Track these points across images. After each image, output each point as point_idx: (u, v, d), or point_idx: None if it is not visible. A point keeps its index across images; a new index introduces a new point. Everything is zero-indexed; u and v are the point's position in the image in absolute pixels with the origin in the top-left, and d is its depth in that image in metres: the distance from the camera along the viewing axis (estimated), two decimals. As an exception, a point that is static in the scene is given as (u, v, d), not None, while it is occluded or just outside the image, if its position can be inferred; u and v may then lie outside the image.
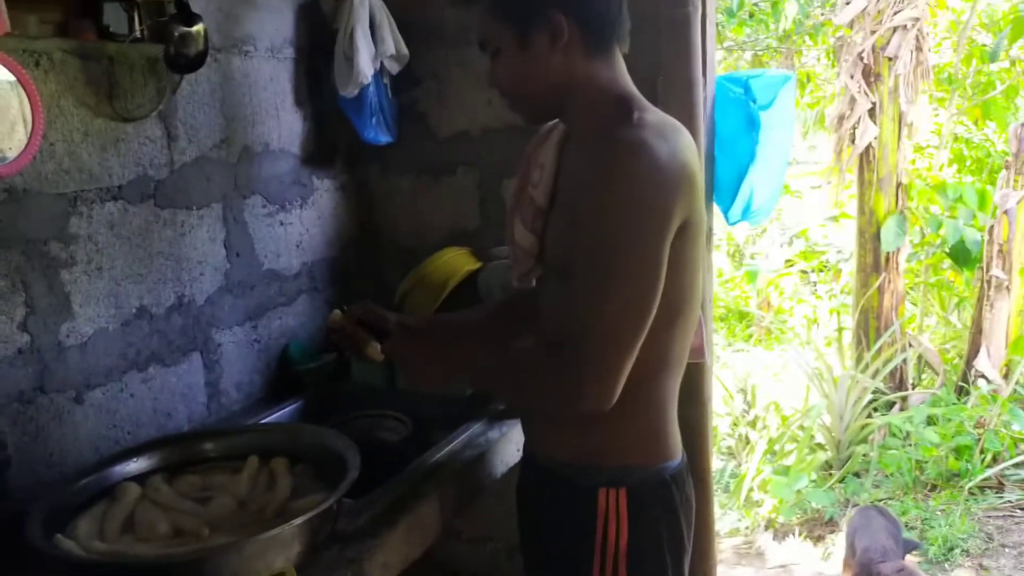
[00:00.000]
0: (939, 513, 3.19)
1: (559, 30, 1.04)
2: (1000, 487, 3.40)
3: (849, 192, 4.90)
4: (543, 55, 1.06)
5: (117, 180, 1.46)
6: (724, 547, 3.10)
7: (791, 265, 5.84)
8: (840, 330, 4.53)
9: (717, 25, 4.65)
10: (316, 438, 1.31)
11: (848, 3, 4.24)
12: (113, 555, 1.06)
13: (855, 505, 3.16)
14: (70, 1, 1.38)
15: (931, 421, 3.75)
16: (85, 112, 1.40)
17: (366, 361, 1.24)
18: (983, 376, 3.93)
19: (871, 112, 4.23)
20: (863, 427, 3.73)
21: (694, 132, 1.57)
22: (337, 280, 2.04)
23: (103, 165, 1.43)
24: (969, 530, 3.05)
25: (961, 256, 4.29)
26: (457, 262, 1.88)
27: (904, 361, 4.18)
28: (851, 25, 4.28)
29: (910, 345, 4.28)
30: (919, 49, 4.12)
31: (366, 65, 1.75)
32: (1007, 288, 3.95)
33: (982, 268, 4.06)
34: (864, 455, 3.59)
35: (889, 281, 4.35)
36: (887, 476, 3.52)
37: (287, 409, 1.74)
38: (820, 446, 3.78)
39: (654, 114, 1.07)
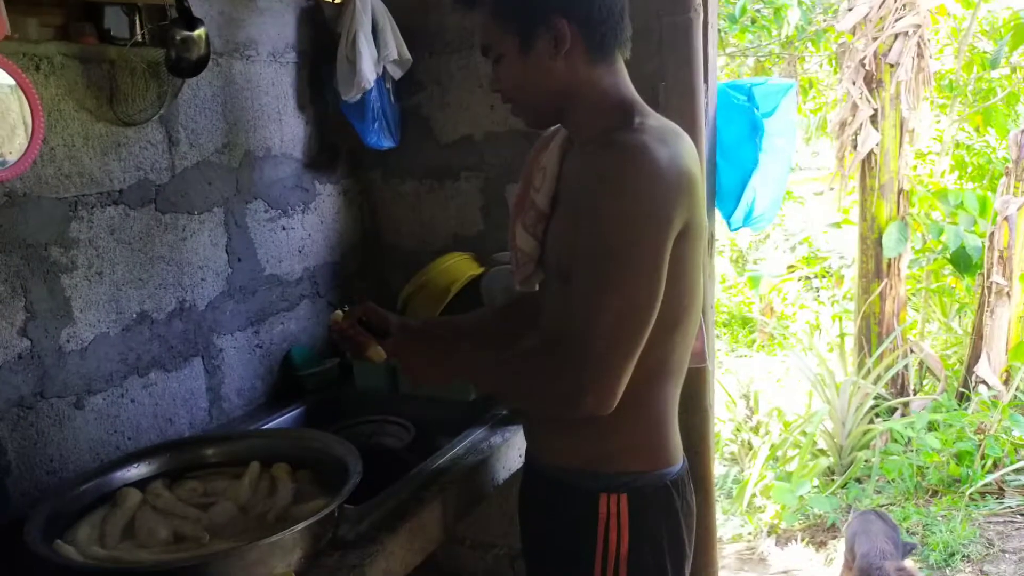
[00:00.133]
0: (940, 519, 3.18)
1: (561, 36, 1.05)
2: (1001, 493, 3.39)
3: (851, 198, 4.90)
4: (545, 61, 1.06)
5: (118, 184, 1.46)
6: (727, 553, 3.09)
7: (794, 271, 5.85)
8: (842, 336, 4.53)
9: (719, 31, 4.67)
10: (318, 443, 1.30)
11: (850, 9, 4.25)
12: (113, 561, 1.05)
13: (856, 511, 3.15)
14: (71, 4, 1.37)
15: (932, 427, 3.75)
16: (86, 116, 1.39)
17: (367, 361, 1.23)
18: (984, 382, 3.92)
19: (873, 118, 4.24)
20: (865, 433, 3.73)
21: (695, 137, 1.56)
22: (339, 285, 2.04)
23: (104, 169, 1.43)
24: (970, 536, 3.05)
25: (962, 262, 4.29)
26: (460, 267, 1.88)
27: (906, 367, 4.18)
28: (853, 31, 4.29)
29: (911, 351, 4.28)
30: (920, 56, 4.13)
31: (369, 70, 1.75)
32: (1008, 294, 3.95)
33: (983, 274, 4.06)
34: (866, 461, 3.59)
35: (891, 287, 4.35)
36: (889, 482, 3.51)
37: (289, 414, 1.74)
38: (822, 452, 3.78)
39: (655, 119, 1.07)
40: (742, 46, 5.49)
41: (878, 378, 3.97)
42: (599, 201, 0.99)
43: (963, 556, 2.95)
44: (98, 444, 1.44)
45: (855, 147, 4.31)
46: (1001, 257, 3.96)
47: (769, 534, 3.20)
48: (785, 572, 2.98)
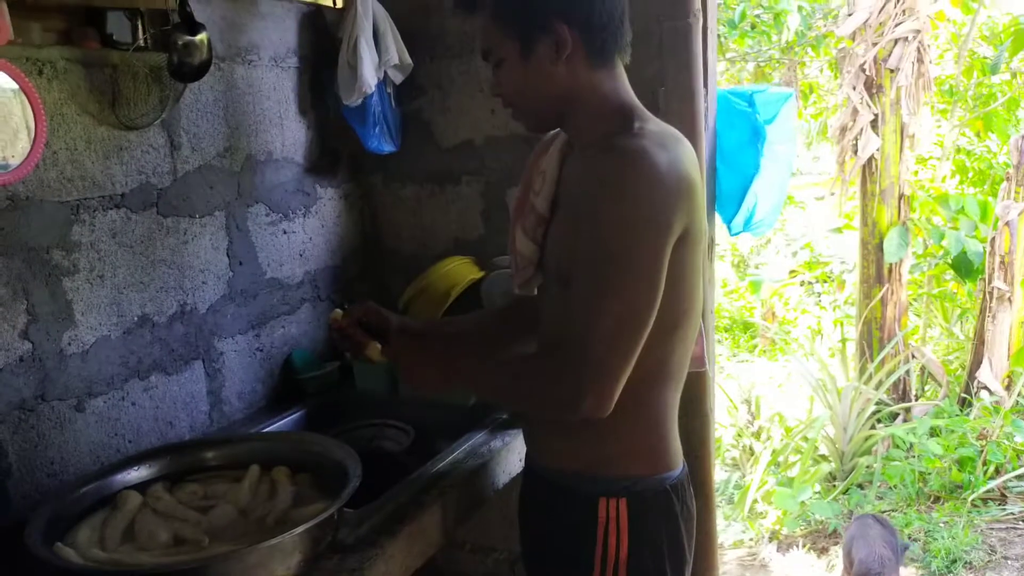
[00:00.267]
0: (942, 525, 3.17)
1: (562, 41, 1.05)
2: (1003, 499, 3.38)
3: (853, 203, 4.91)
4: (546, 66, 1.07)
5: (120, 188, 1.46)
6: (728, 559, 3.08)
7: (795, 276, 5.85)
8: (844, 341, 4.52)
9: (719, 36, 4.69)
10: (318, 447, 1.30)
11: (850, 15, 4.26)
12: (113, 564, 1.06)
13: (855, 515, 3.15)
14: (74, 9, 1.38)
15: (934, 433, 3.74)
16: (88, 120, 1.40)
17: (366, 362, 1.23)
18: (986, 388, 3.92)
19: (873, 123, 4.24)
20: (866, 438, 3.72)
21: (695, 142, 1.57)
22: (340, 289, 2.04)
23: (106, 173, 1.44)
24: (972, 542, 3.04)
25: (963, 267, 4.29)
26: (460, 271, 1.88)
27: (907, 372, 4.17)
28: (853, 37, 4.30)
29: (913, 356, 4.28)
30: (920, 61, 4.14)
31: (370, 74, 1.75)
32: (1009, 299, 3.95)
33: (984, 279, 4.06)
34: (868, 467, 3.58)
35: (892, 292, 4.35)
36: (891, 488, 3.50)
37: (289, 418, 1.74)
38: (824, 457, 3.77)
39: (655, 124, 1.07)
40: (742, 51, 5.50)
41: (880, 383, 3.97)
42: (599, 205, 0.99)
43: (965, 563, 2.94)
44: (99, 447, 1.45)
45: (856, 152, 4.32)
46: (1002, 262, 3.96)
47: (771, 540, 3.19)
48: (786, 578, 2.97)
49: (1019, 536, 3.13)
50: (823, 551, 3.12)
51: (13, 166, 1.26)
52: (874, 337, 4.38)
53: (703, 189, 1.10)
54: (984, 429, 3.63)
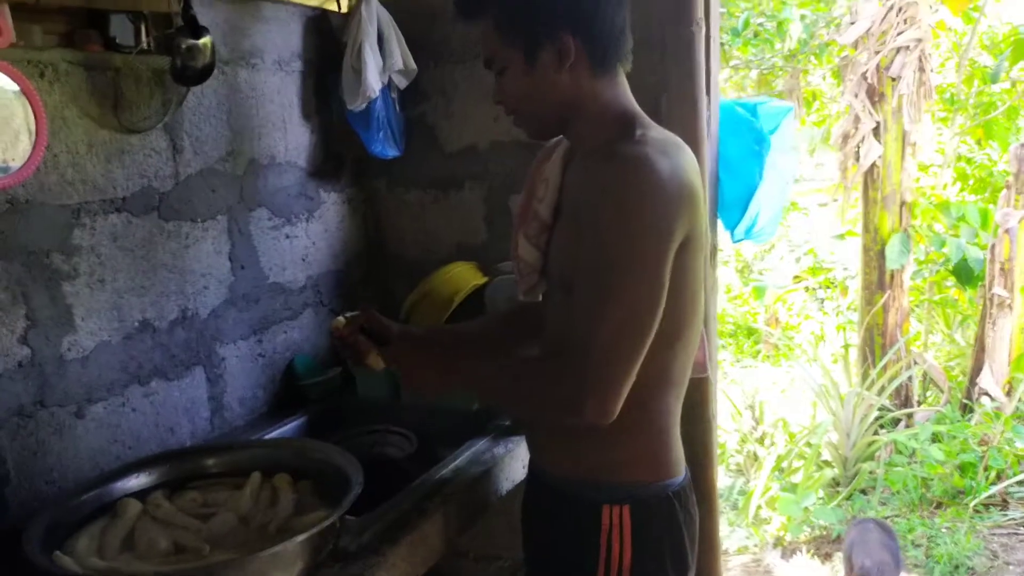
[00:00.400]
0: (944, 531, 3.17)
1: (566, 50, 1.05)
2: (1005, 505, 3.38)
3: (855, 210, 4.92)
4: (550, 74, 1.07)
5: (121, 192, 1.45)
6: (732, 565, 3.07)
7: (799, 281, 5.85)
8: (846, 347, 4.52)
9: (723, 44, 4.70)
10: (319, 454, 1.29)
11: (852, 24, 4.28)
12: (112, 572, 1.04)
13: (855, 519, 3.14)
14: (76, 12, 1.38)
15: (936, 438, 3.74)
16: (89, 123, 1.39)
17: (367, 368, 1.22)
18: (987, 393, 3.92)
19: (875, 131, 4.26)
20: (869, 444, 3.72)
21: (697, 149, 1.57)
22: (343, 294, 2.03)
23: (107, 176, 1.43)
24: (974, 548, 3.03)
25: (964, 274, 4.30)
26: (464, 276, 1.88)
27: (909, 378, 4.18)
28: (855, 45, 4.32)
29: (915, 362, 4.28)
30: (922, 70, 4.16)
31: (374, 79, 1.75)
32: (1009, 306, 3.95)
33: (984, 286, 4.06)
34: (870, 472, 3.57)
35: (894, 298, 4.36)
36: (893, 493, 3.50)
37: (291, 424, 1.72)
38: (827, 463, 3.76)
39: (657, 131, 1.08)
40: (746, 59, 5.52)
41: (882, 389, 3.97)
42: (601, 212, 0.99)
43: (968, 568, 2.94)
44: (98, 453, 1.43)
45: (858, 159, 4.33)
46: (1002, 269, 3.97)
47: (775, 546, 3.19)
48: (789, 585, 2.96)
49: (1021, 541, 3.12)
50: (827, 557, 3.11)
51: (14, 169, 1.25)
52: (876, 343, 4.38)
53: (705, 196, 1.10)
54: (985, 435, 3.63)
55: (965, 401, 4.07)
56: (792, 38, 4.88)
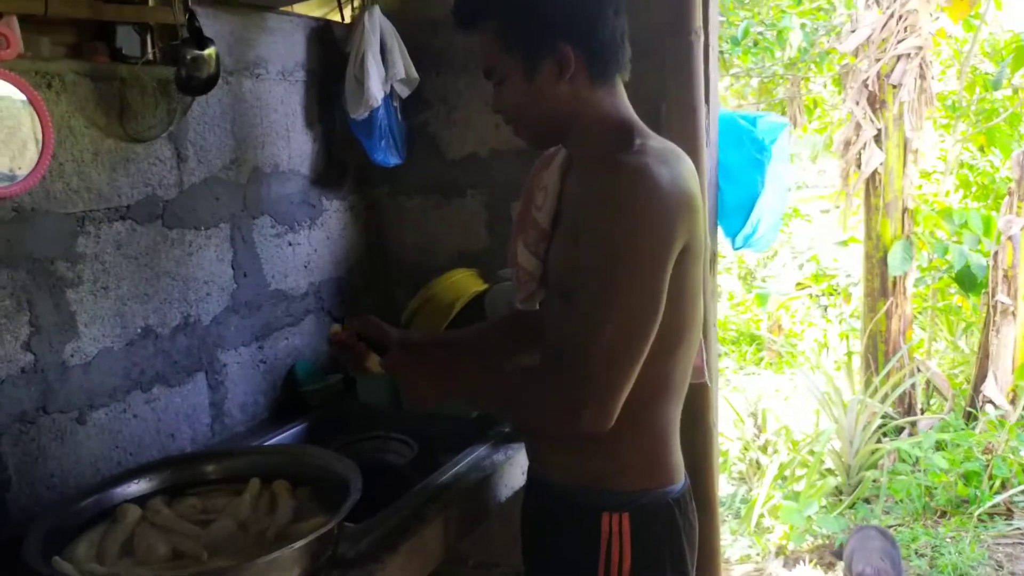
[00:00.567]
0: (949, 540, 3.15)
1: (566, 61, 1.06)
2: (1009, 514, 3.36)
3: (857, 217, 4.92)
4: (549, 85, 1.07)
5: (126, 200, 1.47)
6: (735, 574, 3.05)
7: (802, 288, 5.84)
8: (849, 354, 4.51)
9: (722, 53, 4.71)
10: (318, 460, 1.29)
11: (853, 31, 4.29)
12: (112, 578, 1.05)
13: (856, 526, 3.12)
14: (84, 24, 1.40)
15: (940, 446, 3.73)
16: (95, 132, 1.41)
17: (365, 375, 1.23)
18: (991, 401, 3.90)
19: (877, 138, 4.26)
20: (873, 452, 3.70)
21: (697, 157, 1.58)
22: (345, 300, 2.04)
23: (112, 185, 1.44)
24: (979, 557, 3.01)
25: (967, 281, 4.29)
26: (465, 283, 1.88)
27: (912, 386, 4.16)
28: (856, 53, 4.33)
29: (918, 370, 4.26)
30: (923, 77, 4.16)
31: (376, 88, 1.76)
32: (1012, 313, 3.94)
33: (988, 293, 4.05)
34: (874, 481, 3.56)
35: (896, 305, 4.35)
36: (897, 502, 3.48)
37: (292, 430, 1.73)
38: (830, 471, 3.75)
39: (656, 141, 1.08)
40: (746, 67, 5.53)
41: (885, 397, 3.95)
42: (601, 221, 1.00)
43: (972, 579, 2.92)
44: (99, 459, 1.44)
45: (859, 166, 4.33)
46: (1005, 276, 3.96)
47: (777, 555, 3.17)
48: (792, 594, 2.95)
49: (1026, 552, 3.10)
50: (830, 566, 3.09)
51: (20, 177, 1.26)
52: (879, 350, 4.37)
53: (704, 203, 1.10)
54: (990, 443, 3.61)
55: (969, 409, 4.05)
56: (792, 46, 4.89)
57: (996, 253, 3.99)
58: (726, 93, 5.96)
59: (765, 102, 5.86)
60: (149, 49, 1.47)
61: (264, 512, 1.21)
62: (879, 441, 3.80)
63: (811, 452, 3.67)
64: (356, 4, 1.91)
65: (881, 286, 4.40)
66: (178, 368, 1.59)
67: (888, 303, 4.33)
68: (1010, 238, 3.93)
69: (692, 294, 1.08)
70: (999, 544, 3.15)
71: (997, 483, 3.43)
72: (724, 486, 3.58)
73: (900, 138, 4.27)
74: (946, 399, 4.24)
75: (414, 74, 1.88)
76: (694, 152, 1.56)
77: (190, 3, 1.45)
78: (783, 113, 5.67)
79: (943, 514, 3.39)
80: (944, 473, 3.48)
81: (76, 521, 1.15)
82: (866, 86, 4.23)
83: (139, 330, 1.51)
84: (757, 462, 3.72)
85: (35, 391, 1.33)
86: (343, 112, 1.83)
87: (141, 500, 1.23)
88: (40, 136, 1.28)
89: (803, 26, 4.90)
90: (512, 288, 1.45)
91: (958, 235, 4.48)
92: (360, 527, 1.22)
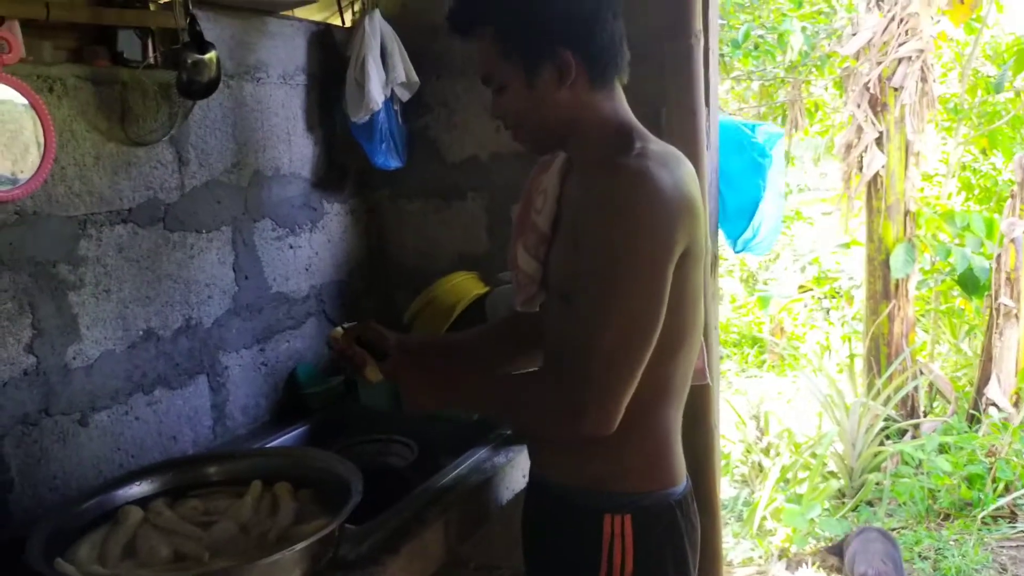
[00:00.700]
0: (952, 543, 3.14)
1: (567, 67, 1.06)
2: (1013, 517, 3.35)
3: (859, 219, 4.91)
4: (550, 91, 1.07)
5: (127, 203, 1.48)
6: (736, 577, 3.05)
7: (804, 291, 5.84)
8: (852, 357, 4.51)
9: (723, 56, 4.72)
10: (320, 463, 1.29)
11: (854, 35, 4.30)
12: (113, 580, 1.05)
13: (858, 527, 3.11)
14: (85, 28, 1.40)
15: (943, 449, 3.72)
16: (97, 136, 1.42)
17: (365, 380, 1.23)
18: (994, 404, 3.89)
19: (878, 141, 4.26)
20: (875, 455, 3.69)
21: (697, 161, 1.58)
22: (345, 303, 2.04)
23: (113, 188, 1.45)
24: (983, 560, 3.00)
25: (970, 284, 4.28)
26: (465, 286, 1.89)
27: (915, 388, 4.15)
28: (857, 56, 4.33)
29: (921, 372, 4.26)
30: (924, 80, 4.17)
31: (377, 92, 1.77)
32: (1016, 316, 3.93)
33: (991, 296, 4.04)
34: (877, 483, 3.55)
35: (899, 308, 4.34)
36: (900, 505, 3.47)
37: (293, 433, 1.73)
38: (833, 474, 3.74)
39: (657, 144, 1.08)
40: (747, 70, 5.54)
41: (888, 399, 3.95)
42: (602, 225, 1.00)
43: (976, 582, 2.91)
44: (101, 461, 1.45)
45: (861, 169, 4.33)
46: (1008, 279, 3.95)
47: (780, 558, 3.16)
48: (795, 597, 2.94)
49: (1030, 555, 3.09)
50: (832, 569, 3.08)
51: (22, 181, 1.27)
52: (882, 353, 4.36)
53: (705, 207, 1.10)
54: (993, 446, 3.61)
55: (972, 412, 4.04)
56: (793, 50, 4.89)
57: (999, 256, 3.99)
58: (727, 96, 5.97)
59: (766, 105, 5.87)
60: (150, 53, 1.47)
61: (266, 514, 1.21)
62: (882, 444, 3.79)
63: (813, 455, 3.67)
64: (357, 8, 1.91)
65: (883, 289, 4.40)
66: (180, 370, 1.60)
67: (890, 306, 4.33)
68: (1013, 240, 3.93)
69: (693, 297, 1.08)
70: (1003, 547, 3.14)
71: (1001, 486, 3.42)
72: (726, 489, 3.57)
73: (902, 141, 4.27)
74: (949, 402, 4.23)
75: (414, 78, 1.88)
76: (694, 155, 1.56)
77: (191, 7, 1.46)
78: (784, 116, 5.67)
79: (946, 517, 3.38)
80: (947, 476, 3.47)
81: (78, 523, 1.16)
82: (867, 89, 4.23)
83: (141, 332, 1.51)
84: (759, 465, 3.71)
85: (37, 393, 1.34)
86: (344, 116, 1.84)
87: (143, 502, 1.23)
88: (42, 140, 1.29)
89: (804, 29, 4.90)
90: (513, 291, 1.45)
91: (960, 238, 4.48)
92: (361, 529, 1.22)
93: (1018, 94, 5.38)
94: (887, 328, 4.36)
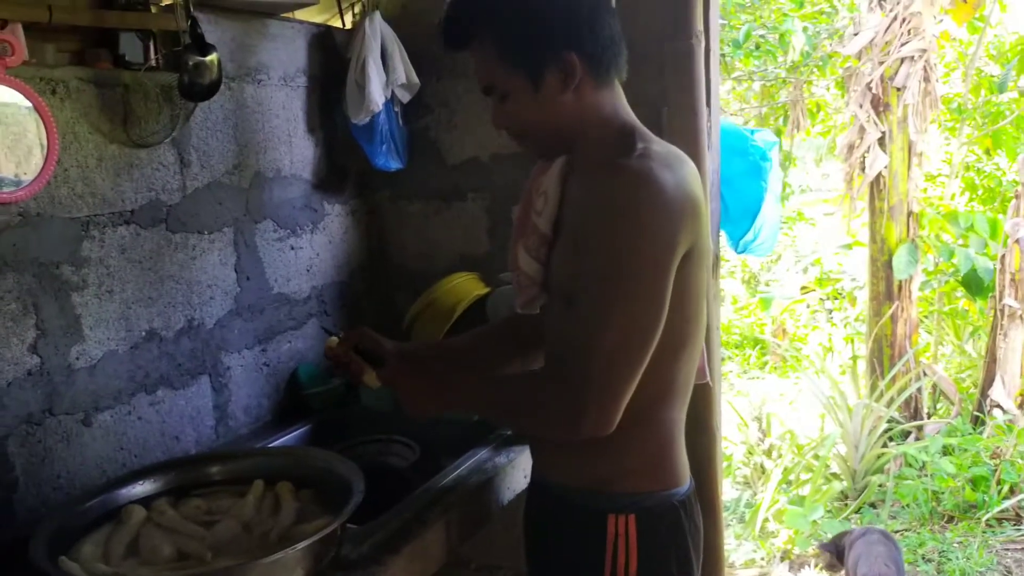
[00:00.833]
0: (956, 545, 3.12)
1: (571, 68, 1.05)
2: (1018, 519, 3.33)
3: (861, 220, 4.90)
4: (555, 95, 1.06)
5: (130, 205, 1.49)
6: (738, 579, 3.04)
7: (806, 292, 5.83)
8: (854, 358, 4.49)
9: (724, 57, 4.72)
10: (321, 462, 1.30)
11: (856, 35, 4.29)
12: (116, 578, 1.05)
13: (859, 528, 3.10)
14: (87, 31, 1.41)
15: (947, 451, 3.70)
16: (99, 138, 1.42)
17: (366, 387, 1.24)
18: (998, 406, 3.87)
19: (881, 141, 4.25)
20: (878, 457, 3.68)
21: (698, 161, 1.58)
22: (346, 304, 2.05)
23: (116, 190, 1.46)
24: (987, 563, 2.99)
25: (974, 285, 4.27)
26: (466, 287, 1.89)
27: (919, 390, 4.14)
28: (859, 56, 4.33)
29: (924, 374, 4.24)
30: (927, 80, 4.16)
31: (377, 93, 1.78)
32: (1020, 317, 3.91)
33: (995, 297, 4.03)
34: (880, 485, 3.54)
35: (902, 309, 4.33)
36: (903, 507, 3.46)
37: (295, 433, 1.74)
38: (835, 476, 3.73)
39: (659, 145, 1.08)
40: (748, 71, 5.54)
41: (891, 401, 3.94)
42: (604, 226, 1.00)
43: (980, 584, 2.89)
44: (105, 461, 1.45)
45: (863, 170, 4.32)
46: (1013, 280, 3.93)
47: (782, 560, 3.16)
48: (797, 599, 2.93)
49: (1035, 557, 3.07)
50: (835, 571, 3.07)
51: (26, 183, 1.28)
52: (885, 354, 4.35)
53: (707, 208, 1.10)
54: (997, 448, 3.59)
55: (976, 413, 4.02)
56: (795, 50, 4.89)
57: (1003, 256, 3.97)
58: (728, 97, 5.97)
59: (768, 106, 5.86)
60: (152, 55, 1.48)
61: (268, 513, 1.21)
62: (885, 445, 3.78)
63: (816, 456, 3.66)
64: (357, 10, 1.92)
65: (886, 290, 4.39)
66: (182, 371, 1.60)
67: (894, 307, 4.32)
68: (1017, 241, 3.91)
69: (696, 297, 1.08)
70: (1008, 550, 3.13)
71: (1005, 488, 3.41)
72: (728, 490, 3.57)
73: (904, 141, 4.26)
74: (953, 403, 4.22)
75: (415, 79, 1.89)
76: (696, 156, 1.56)
77: (192, 10, 1.46)
78: (786, 117, 5.67)
79: (950, 519, 3.37)
80: (951, 478, 3.46)
81: (82, 522, 1.16)
82: (870, 89, 4.22)
83: (143, 333, 1.52)
84: (761, 466, 3.71)
85: (41, 393, 1.35)
86: (344, 117, 1.85)
87: (146, 501, 1.23)
88: (45, 142, 1.29)
89: (805, 29, 4.90)
90: (513, 292, 1.45)
91: (964, 238, 4.46)
92: (363, 529, 1.23)
93: (1022, 94, 5.36)
94: (890, 329, 4.35)
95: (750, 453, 3.79)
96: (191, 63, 1.48)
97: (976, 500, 3.39)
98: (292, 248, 1.88)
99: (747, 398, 4.33)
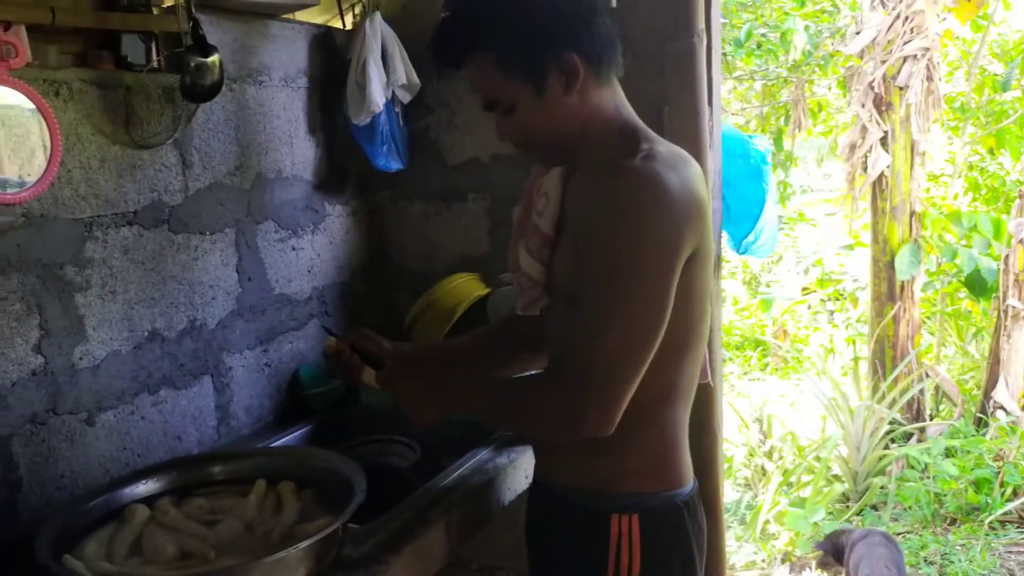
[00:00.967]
0: (959, 548, 3.11)
1: (573, 69, 1.04)
2: (1021, 522, 3.31)
3: (863, 220, 4.89)
4: (560, 99, 1.05)
5: (132, 205, 1.49)
6: (739, 580, 3.04)
7: (807, 293, 5.82)
8: (856, 360, 4.48)
9: (725, 56, 4.71)
10: (323, 462, 1.30)
11: (858, 33, 4.28)
12: (119, 577, 1.06)
13: (861, 529, 3.10)
14: (90, 32, 1.42)
15: (949, 453, 3.69)
16: (102, 139, 1.43)
17: (366, 386, 1.24)
18: (1002, 407, 3.86)
19: (883, 141, 4.24)
20: (880, 458, 3.67)
21: (700, 160, 1.58)
22: (347, 305, 2.05)
23: (119, 191, 1.47)
24: (990, 566, 2.98)
25: (977, 285, 4.26)
26: (467, 287, 1.90)
27: (921, 391, 4.13)
28: (861, 55, 4.32)
29: (927, 375, 4.23)
30: (930, 79, 4.14)
31: (378, 94, 1.78)
32: (1024, 318, 3.90)
33: (998, 298, 4.02)
34: (882, 487, 3.53)
35: (904, 310, 4.32)
36: (905, 509, 3.45)
37: (296, 433, 1.74)
38: (837, 478, 3.72)
39: (663, 145, 1.07)
40: (749, 70, 5.53)
41: (893, 402, 3.92)
42: (607, 228, 0.99)
43: (983, 586, 2.89)
44: (108, 460, 1.46)
45: (866, 169, 4.31)
46: (1016, 280, 3.92)
47: (783, 561, 3.15)
48: (799, 600, 2.93)
49: (1038, 559, 3.06)
50: (836, 573, 3.07)
51: (29, 184, 1.28)
52: (887, 355, 4.34)
53: (711, 208, 1.10)
54: (1001, 450, 3.58)
55: (979, 415, 4.01)
56: (796, 49, 4.88)
57: (1007, 257, 3.95)
58: (729, 96, 5.96)
59: (769, 105, 5.86)
60: (154, 57, 1.49)
61: (270, 513, 1.22)
62: (887, 447, 3.77)
63: (817, 458, 3.65)
64: (357, 11, 1.93)
65: (889, 290, 4.37)
66: (184, 371, 1.61)
67: (896, 308, 4.31)
68: (1021, 241, 3.89)
69: (700, 298, 1.08)
70: (1011, 552, 3.12)
71: (1009, 490, 3.39)
72: (729, 492, 3.56)
73: (907, 141, 4.25)
74: (955, 405, 4.20)
75: (415, 80, 1.89)
76: (697, 155, 1.56)
77: (194, 11, 1.47)
78: (787, 116, 5.66)
79: (953, 521, 3.36)
80: (954, 480, 3.44)
81: (85, 521, 1.17)
82: (872, 88, 4.21)
83: (146, 333, 1.53)
84: (762, 468, 3.70)
85: (45, 393, 1.35)
86: (345, 118, 1.85)
87: (149, 500, 1.24)
88: (48, 143, 1.30)
89: (807, 28, 4.89)
90: (514, 292, 1.45)
91: (967, 239, 4.45)
92: (364, 529, 1.23)
93: (1025, 94, 5.35)
94: (892, 330, 4.33)
95: (751, 455, 3.78)
96: (193, 64, 1.49)
97: (979, 502, 3.37)
98: (293, 249, 1.89)
99: (748, 399, 4.32)
